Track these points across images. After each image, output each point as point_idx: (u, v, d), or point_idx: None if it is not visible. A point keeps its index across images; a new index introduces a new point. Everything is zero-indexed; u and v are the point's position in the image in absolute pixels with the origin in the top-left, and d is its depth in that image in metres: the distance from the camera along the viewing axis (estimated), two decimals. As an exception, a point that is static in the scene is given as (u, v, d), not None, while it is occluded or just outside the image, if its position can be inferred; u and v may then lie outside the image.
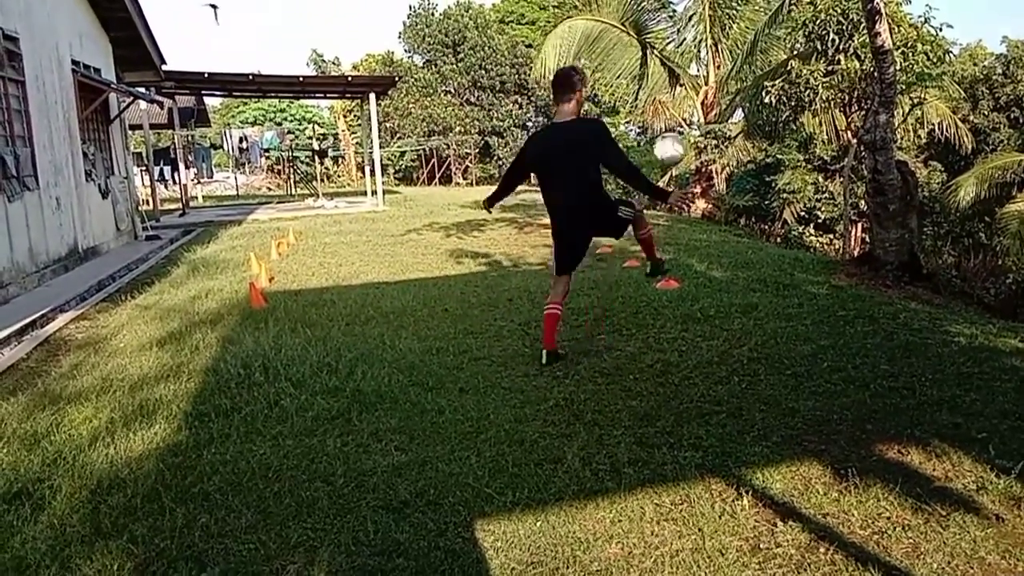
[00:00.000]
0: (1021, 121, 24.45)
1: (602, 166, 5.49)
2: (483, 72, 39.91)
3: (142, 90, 15.56)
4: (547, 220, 15.20)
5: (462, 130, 38.20)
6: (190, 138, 27.30)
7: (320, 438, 4.15)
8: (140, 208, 16.69)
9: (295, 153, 31.04)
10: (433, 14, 42.61)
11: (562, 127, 5.43)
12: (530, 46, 39.30)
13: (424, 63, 42.39)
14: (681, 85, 19.86)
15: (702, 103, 19.78)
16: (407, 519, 3.25)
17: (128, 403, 4.82)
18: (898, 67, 10.83)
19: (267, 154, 31.57)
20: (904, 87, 13.24)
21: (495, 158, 39.54)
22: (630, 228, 5.74)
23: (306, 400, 4.71)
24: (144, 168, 22.68)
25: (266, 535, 3.17)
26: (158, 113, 22.12)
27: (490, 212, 6.70)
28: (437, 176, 37.43)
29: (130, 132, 19.20)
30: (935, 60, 13.98)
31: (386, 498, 3.44)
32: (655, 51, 19.42)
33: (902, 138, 18.05)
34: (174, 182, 23.87)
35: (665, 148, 6.78)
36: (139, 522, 3.31)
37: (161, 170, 23.89)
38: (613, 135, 5.68)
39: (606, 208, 5.57)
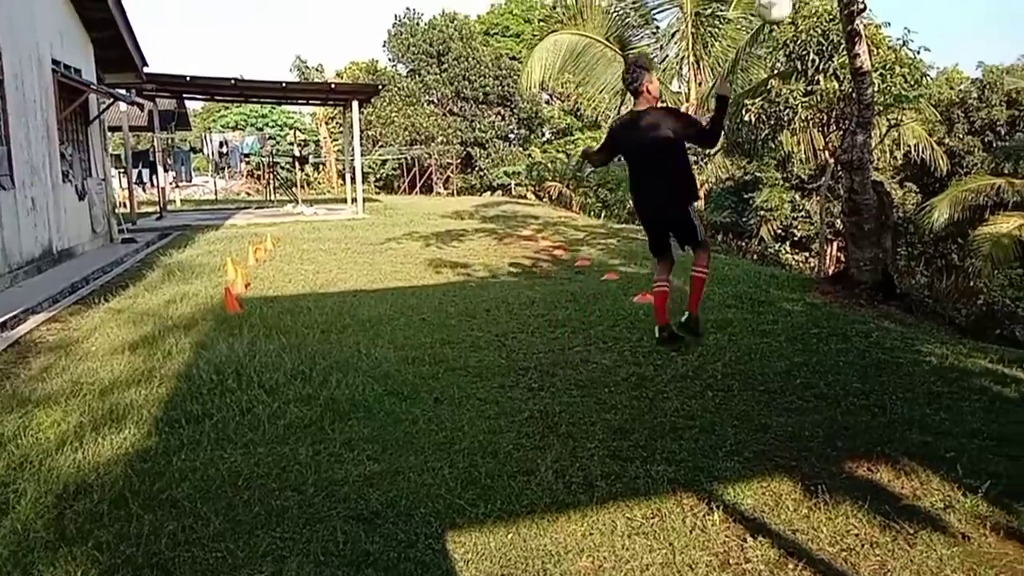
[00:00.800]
0: (995, 145, 24.87)
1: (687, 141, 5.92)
2: (467, 83, 40.00)
3: (123, 92, 15.44)
4: (526, 232, 15.23)
5: (444, 140, 38.21)
6: (170, 141, 27.12)
7: (292, 446, 4.12)
8: (117, 210, 16.53)
9: (275, 159, 30.89)
10: (418, 24, 42.70)
11: (639, 115, 5.88)
12: (514, 58, 39.46)
13: (408, 72, 42.44)
14: (663, 102, 20.00)
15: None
16: (378, 529, 3.24)
17: (98, 407, 4.76)
18: (876, 89, 10.97)
19: (247, 159, 31.42)
20: (881, 108, 13.41)
21: (477, 169, 39.58)
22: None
23: (279, 408, 4.68)
24: (122, 170, 22.47)
25: (234, 543, 3.14)
26: (138, 115, 21.93)
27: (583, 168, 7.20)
28: (418, 185, 37.40)
29: (109, 134, 19.01)
30: (912, 83, 14.18)
31: (357, 508, 3.42)
32: (638, 67, 19.51)
33: (879, 159, 18.30)
34: (152, 185, 23.68)
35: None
36: (105, 528, 3.26)
37: (139, 173, 23.69)
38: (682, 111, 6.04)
39: (681, 206, 5.88)
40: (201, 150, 33.42)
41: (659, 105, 6.03)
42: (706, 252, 6.02)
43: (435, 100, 41.08)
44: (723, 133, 6.12)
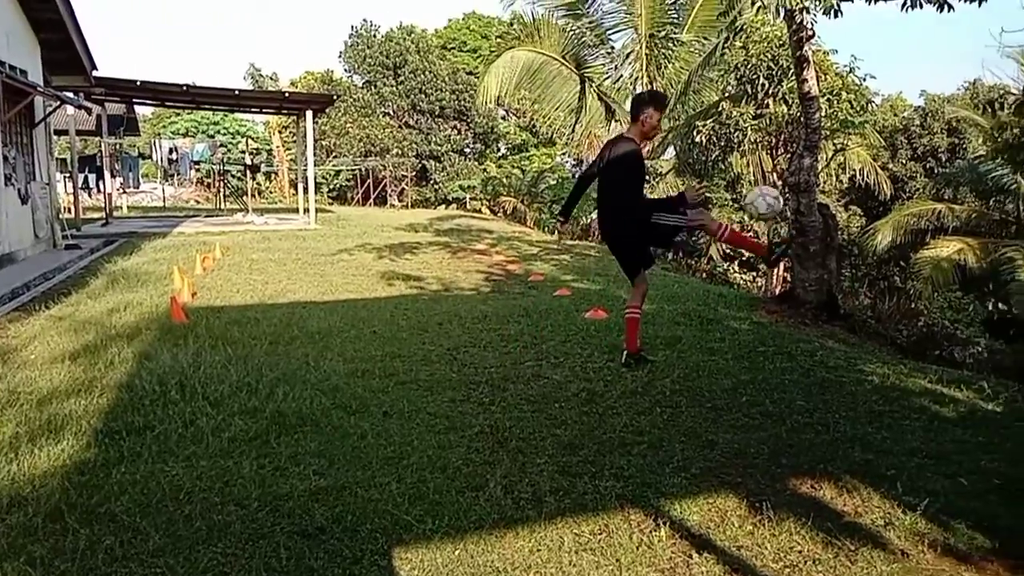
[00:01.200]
0: (936, 171, 25.65)
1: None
2: (423, 96, 39.98)
3: (70, 95, 15.11)
4: (480, 246, 15.22)
5: (399, 152, 38.08)
6: (118, 146, 26.56)
7: (236, 460, 4.04)
8: (61, 216, 16.12)
9: (226, 167, 30.43)
10: (375, 36, 42.57)
11: (618, 141, 5.94)
12: (471, 73, 39.58)
13: (364, 84, 42.25)
14: (616, 120, 20.21)
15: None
16: (322, 546, 3.19)
17: (35, 417, 4.62)
18: (823, 113, 11.25)
19: (197, 166, 30.92)
20: (828, 133, 13.76)
21: (432, 182, 39.52)
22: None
23: (223, 420, 4.59)
24: (68, 175, 21.95)
25: (174, 559, 3.07)
26: (86, 119, 21.50)
27: (563, 226, 7.48)
28: (372, 197, 37.15)
29: (55, 137, 18.57)
30: (858, 109, 14.59)
31: (302, 524, 3.37)
32: (593, 85, 19.75)
33: (825, 182, 18.73)
34: (99, 191, 23.16)
35: (763, 203, 6.16)
36: (39, 543, 3.16)
37: (86, 178, 23.19)
38: (637, 168, 5.92)
39: (634, 235, 5.94)
40: (150, 156, 32.81)
41: (643, 145, 6.06)
42: (703, 220, 6.08)
43: (391, 112, 40.96)
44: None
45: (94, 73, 15.67)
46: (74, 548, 3.12)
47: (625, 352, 6.09)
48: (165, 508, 3.49)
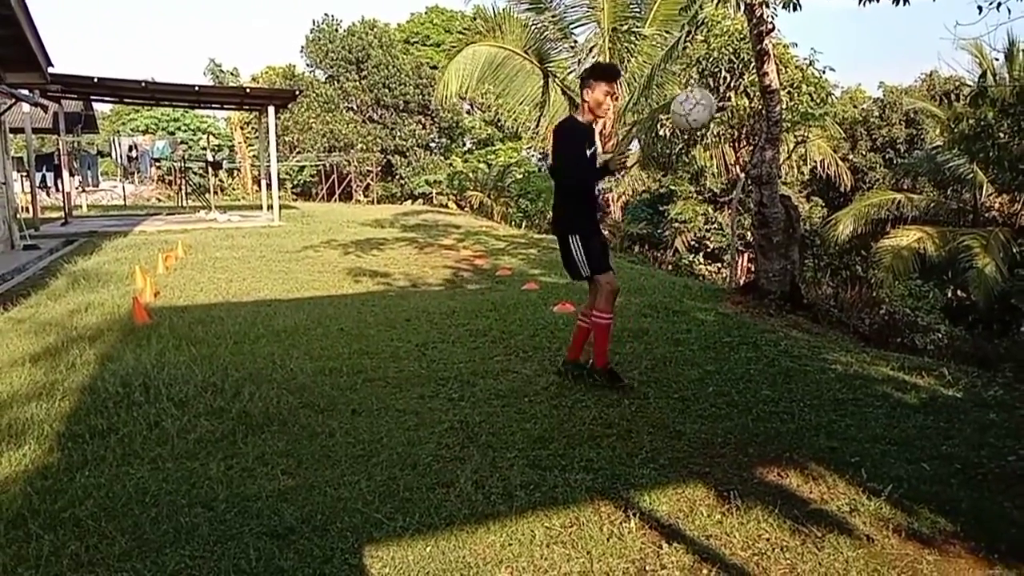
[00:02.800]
0: (895, 162, 26.08)
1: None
2: (387, 91, 39.75)
3: (25, 92, 14.75)
4: (448, 241, 15.18)
5: (364, 147, 37.83)
6: (76, 144, 26.06)
7: (202, 461, 4.00)
8: (18, 216, 15.79)
9: (188, 164, 30.02)
10: (337, 30, 42.21)
11: (562, 123, 5.26)
12: (435, 67, 39.40)
13: (326, 78, 41.88)
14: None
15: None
16: (292, 546, 3.16)
17: (-6, 423, 4.53)
18: (784, 106, 11.37)
19: (158, 164, 30.44)
20: (789, 125, 13.92)
21: (397, 177, 39.34)
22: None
23: (189, 421, 4.54)
24: (25, 174, 21.51)
25: (141, 563, 3.02)
26: (42, 117, 21.07)
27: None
28: (337, 193, 36.88)
29: (11, 135, 18.18)
30: (818, 101, 14.80)
31: (270, 524, 3.34)
32: (556, 80, 19.77)
33: (787, 174, 18.97)
34: (57, 189, 22.73)
35: (692, 107, 5.15)
36: (1, 551, 3.10)
37: (43, 176, 22.73)
38: (569, 137, 5.11)
39: (564, 234, 5.24)
40: (109, 154, 32.25)
41: (594, 123, 5.35)
42: (596, 294, 5.23)
43: (354, 107, 40.66)
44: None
45: (50, 70, 15.30)
46: (37, 554, 3.06)
47: (591, 364, 5.40)
48: (131, 511, 3.44)
